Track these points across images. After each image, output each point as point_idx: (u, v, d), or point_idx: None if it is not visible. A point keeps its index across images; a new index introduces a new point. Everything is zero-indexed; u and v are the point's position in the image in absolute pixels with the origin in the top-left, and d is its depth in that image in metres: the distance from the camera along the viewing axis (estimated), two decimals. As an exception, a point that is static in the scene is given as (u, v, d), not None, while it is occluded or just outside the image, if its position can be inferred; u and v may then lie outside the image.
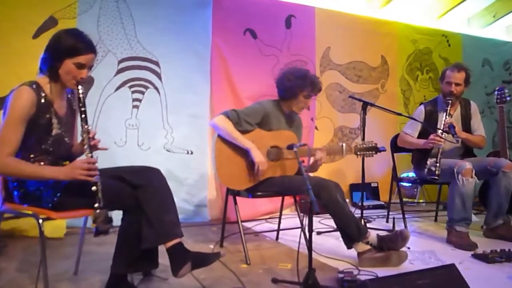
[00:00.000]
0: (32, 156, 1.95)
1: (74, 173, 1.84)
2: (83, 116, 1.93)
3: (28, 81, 1.93)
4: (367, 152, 2.86)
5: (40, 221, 1.84)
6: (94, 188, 1.83)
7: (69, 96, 2.16)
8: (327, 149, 2.84)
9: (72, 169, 1.86)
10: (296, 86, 2.85)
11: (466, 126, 3.54)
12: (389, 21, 5.33)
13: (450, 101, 3.37)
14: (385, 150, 2.90)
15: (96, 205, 1.82)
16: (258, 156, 2.71)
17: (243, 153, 2.78)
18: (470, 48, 5.84)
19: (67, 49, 1.93)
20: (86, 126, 1.93)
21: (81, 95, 1.95)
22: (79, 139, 2.17)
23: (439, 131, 3.29)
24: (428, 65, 5.64)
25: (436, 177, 3.21)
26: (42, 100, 1.94)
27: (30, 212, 1.91)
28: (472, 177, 3.07)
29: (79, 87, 1.95)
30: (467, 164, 3.09)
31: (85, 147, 1.92)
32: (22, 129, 1.88)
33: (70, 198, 1.92)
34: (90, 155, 1.90)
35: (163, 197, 2.01)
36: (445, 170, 3.20)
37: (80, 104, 1.94)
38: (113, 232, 2.05)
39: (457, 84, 3.41)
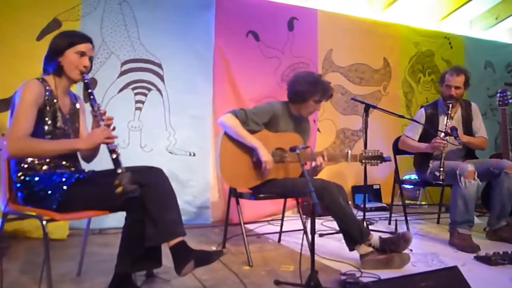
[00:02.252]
0: None
1: (96, 138, 1.93)
2: (91, 96, 2.02)
3: (35, 77, 2.03)
4: (372, 161, 2.82)
5: (44, 222, 1.85)
6: (114, 156, 1.91)
7: (72, 99, 2.20)
8: (329, 156, 2.81)
9: (92, 136, 1.95)
10: (307, 91, 2.84)
11: (468, 127, 3.55)
12: (391, 23, 5.33)
13: (450, 104, 3.38)
14: (390, 160, 2.85)
15: (119, 170, 1.87)
16: (265, 155, 2.71)
17: (248, 152, 2.78)
18: (472, 50, 5.84)
19: (66, 42, 2.05)
20: (96, 104, 2.03)
21: (86, 81, 2.06)
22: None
23: (441, 134, 3.29)
24: (430, 67, 5.64)
25: (440, 182, 3.21)
26: (48, 94, 2.02)
27: (33, 214, 1.92)
28: (474, 179, 3.07)
29: (84, 75, 2.06)
30: (469, 166, 3.09)
31: (99, 118, 2.00)
32: (34, 113, 1.95)
33: (74, 200, 1.93)
34: (104, 126, 1.99)
35: (166, 196, 2.02)
36: (447, 172, 3.20)
37: (88, 88, 2.04)
38: (116, 233, 2.07)
39: (456, 88, 3.41)
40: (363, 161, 2.83)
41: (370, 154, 2.83)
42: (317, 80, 2.88)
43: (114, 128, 2.05)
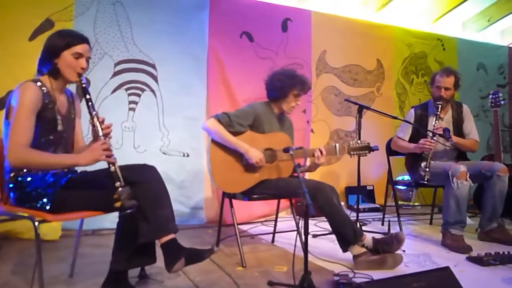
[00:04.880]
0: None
1: (95, 155, 1.89)
2: (89, 103, 1.98)
3: (31, 79, 1.98)
4: (361, 152, 2.82)
5: (36, 223, 1.84)
6: (112, 168, 1.88)
7: (68, 97, 2.17)
8: (326, 150, 2.80)
9: (92, 152, 1.91)
10: (286, 85, 2.87)
11: (458, 129, 3.56)
12: (384, 25, 5.35)
13: (440, 105, 3.39)
14: (377, 149, 2.83)
15: (117, 184, 1.86)
16: (254, 156, 2.70)
17: (237, 156, 2.78)
18: (465, 52, 5.88)
19: (62, 43, 2.00)
20: (94, 112, 1.98)
21: (84, 85, 2.01)
22: (80, 140, 2.22)
23: (430, 135, 3.31)
24: (423, 69, 5.67)
25: (425, 182, 3.23)
26: (46, 96, 1.98)
27: (26, 215, 1.91)
28: (466, 180, 3.09)
29: (81, 78, 2.02)
30: (462, 167, 3.11)
31: (97, 129, 1.97)
32: (33, 121, 1.92)
33: (66, 201, 1.92)
34: (102, 137, 1.96)
35: (158, 193, 2.03)
36: (439, 173, 3.22)
37: (86, 94, 1.99)
38: (109, 234, 2.06)
39: (446, 89, 3.43)
40: (351, 153, 2.82)
41: (357, 145, 2.81)
42: (294, 74, 2.93)
43: (110, 137, 2.05)
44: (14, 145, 1.85)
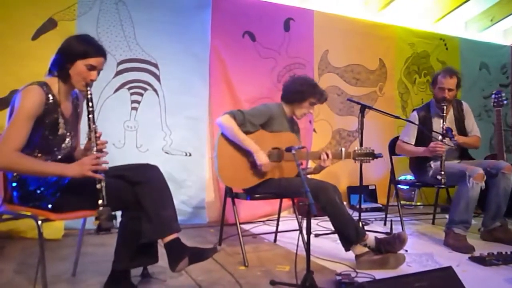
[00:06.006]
0: (37, 154, 1.97)
1: (82, 169, 1.85)
2: (90, 116, 1.96)
3: (37, 81, 1.96)
4: (365, 158, 2.90)
5: (39, 222, 1.84)
6: (98, 186, 1.84)
7: (74, 98, 2.18)
8: (333, 154, 2.85)
9: (81, 166, 1.87)
10: (306, 91, 2.91)
11: (460, 127, 3.56)
12: (387, 25, 5.35)
13: (444, 107, 3.38)
14: (382, 156, 2.93)
15: (100, 202, 1.83)
16: (261, 159, 2.72)
17: (245, 152, 2.79)
18: (467, 51, 5.87)
19: (80, 51, 1.99)
20: (93, 125, 1.95)
21: (89, 96, 1.98)
22: (80, 143, 2.21)
23: (439, 137, 3.30)
24: (425, 69, 5.66)
25: (442, 185, 3.24)
26: (50, 100, 1.97)
27: (29, 213, 1.92)
28: (482, 182, 3.08)
29: (88, 88, 1.99)
30: (480, 169, 3.11)
31: (92, 145, 1.94)
32: (30, 127, 1.90)
33: (69, 200, 1.93)
34: (95, 153, 1.92)
35: (161, 193, 2.04)
36: (453, 173, 3.20)
37: (90, 104, 1.97)
38: (111, 233, 2.07)
39: (449, 90, 3.42)
40: (356, 158, 2.89)
41: (362, 151, 2.90)
42: (316, 84, 3.00)
43: (107, 153, 2.01)
44: (4, 148, 1.83)
